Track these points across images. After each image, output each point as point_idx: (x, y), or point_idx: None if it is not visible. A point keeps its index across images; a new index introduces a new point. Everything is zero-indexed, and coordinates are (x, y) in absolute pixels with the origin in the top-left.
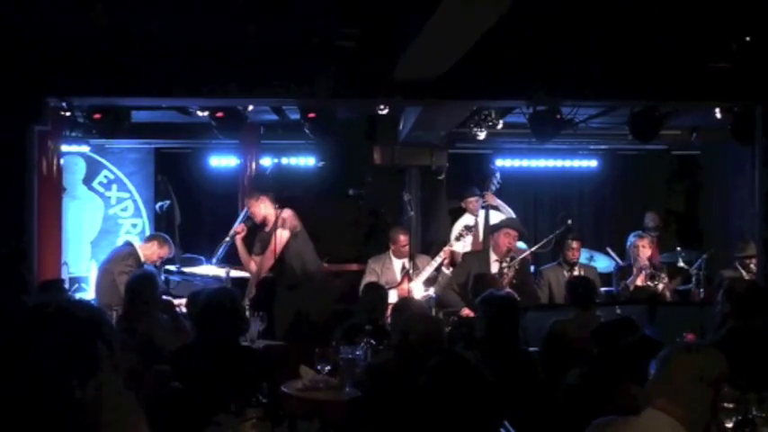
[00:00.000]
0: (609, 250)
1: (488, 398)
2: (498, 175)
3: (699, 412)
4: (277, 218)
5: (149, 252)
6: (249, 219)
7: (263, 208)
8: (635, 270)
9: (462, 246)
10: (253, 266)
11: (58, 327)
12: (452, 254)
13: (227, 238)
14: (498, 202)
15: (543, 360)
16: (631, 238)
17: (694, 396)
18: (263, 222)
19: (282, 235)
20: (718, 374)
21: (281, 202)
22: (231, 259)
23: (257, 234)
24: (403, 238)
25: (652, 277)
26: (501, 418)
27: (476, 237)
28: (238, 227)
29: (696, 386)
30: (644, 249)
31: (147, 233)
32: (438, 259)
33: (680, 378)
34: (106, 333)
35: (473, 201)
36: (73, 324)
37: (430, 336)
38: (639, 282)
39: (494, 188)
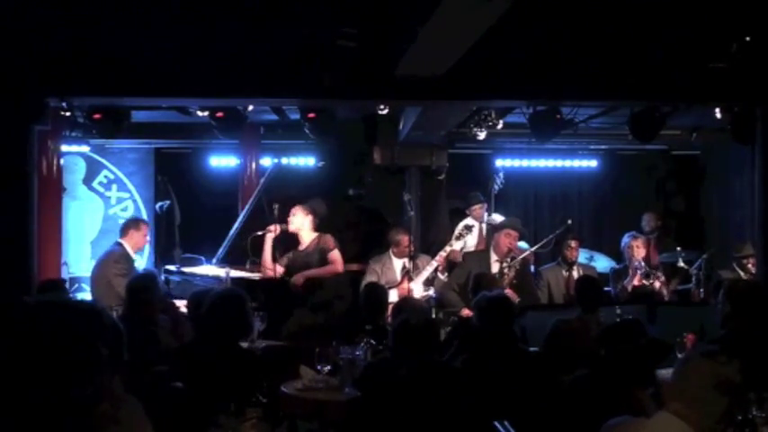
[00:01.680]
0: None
1: (463, 399)
2: (502, 175)
3: (713, 419)
4: (318, 240)
5: (133, 241)
6: (284, 222)
7: (304, 222)
8: (630, 270)
9: (463, 245)
10: (271, 269)
11: (58, 327)
12: (452, 253)
13: (259, 232)
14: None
15: (544, 359)
16: (626, 239)
17: (709, 403)
18: (294, 235)
19: (339, 256)
20: (735, 383)
21: (284, 202)
22: (231, 259)
23: (292, 250)
24: (406, 239)
25: (647, 276)
26: (488, 416)
27: (480, 236)
28: (272, 226)
29: (712, 393)
30: (638, 249)
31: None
32: (434, 263)
33: (696, 383)
34: (108, 334)
35: (477, 208)
36: (73, 325)
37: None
38: (636, 282)
39: (497, 188)
